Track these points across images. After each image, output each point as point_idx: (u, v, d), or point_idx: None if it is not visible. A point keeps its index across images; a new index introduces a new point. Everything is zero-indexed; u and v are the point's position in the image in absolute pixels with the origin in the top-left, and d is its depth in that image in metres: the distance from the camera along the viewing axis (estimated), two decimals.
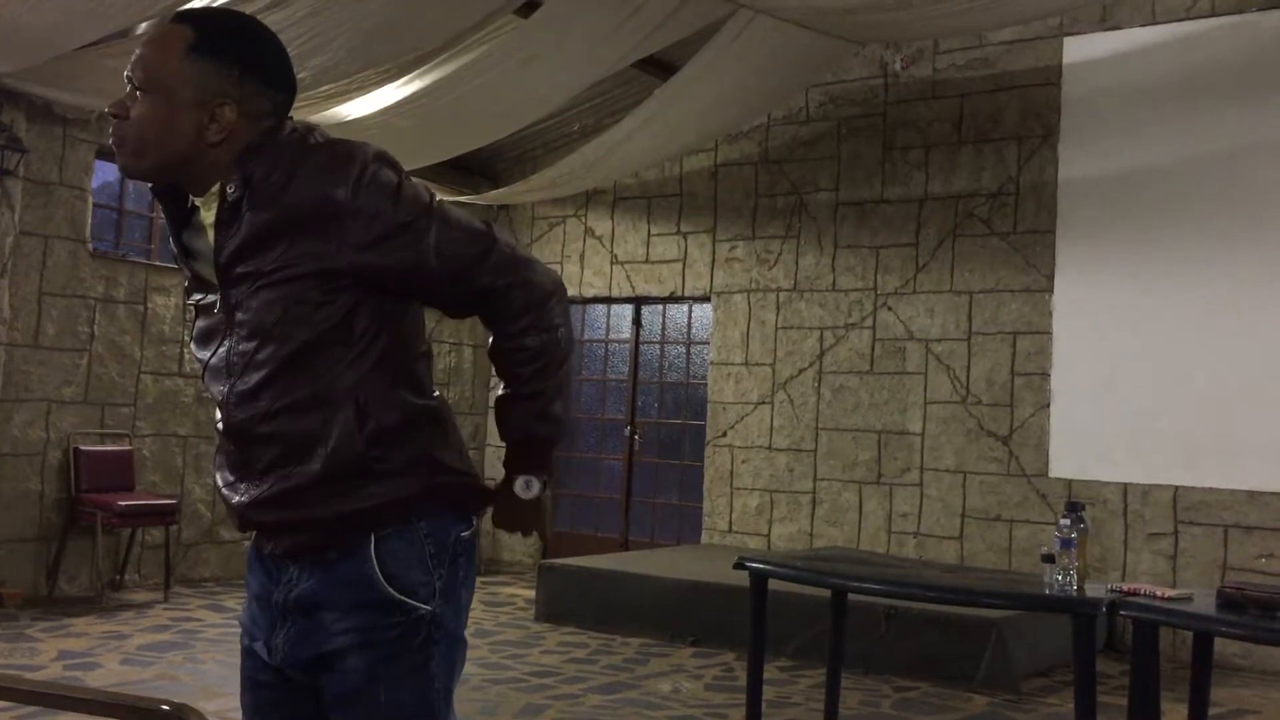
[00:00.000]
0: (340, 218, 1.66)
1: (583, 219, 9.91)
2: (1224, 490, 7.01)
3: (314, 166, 1.68)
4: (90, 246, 7.65)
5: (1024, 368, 7.75)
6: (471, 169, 9.65)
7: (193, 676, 5.49)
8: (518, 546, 10.04)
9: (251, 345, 1.71)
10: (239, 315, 1.71)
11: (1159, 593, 3.44)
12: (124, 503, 7.20)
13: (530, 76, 6.98)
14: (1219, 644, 5.55)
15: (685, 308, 9.45)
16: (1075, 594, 3.53)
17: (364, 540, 1.69)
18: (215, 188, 1.73)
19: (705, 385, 9.13)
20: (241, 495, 1.76)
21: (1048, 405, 7.62)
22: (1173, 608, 3.30)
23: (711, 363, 9.09)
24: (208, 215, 1.75)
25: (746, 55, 7.19)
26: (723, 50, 7.10)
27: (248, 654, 1.83)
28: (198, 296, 1.81)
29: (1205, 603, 3.34)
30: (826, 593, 4.52)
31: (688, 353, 9.45)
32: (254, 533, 1.81)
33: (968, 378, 7.96)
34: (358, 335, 1.72)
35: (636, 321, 9.65)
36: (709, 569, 6.96)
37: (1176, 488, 7.16)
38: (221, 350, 1.74)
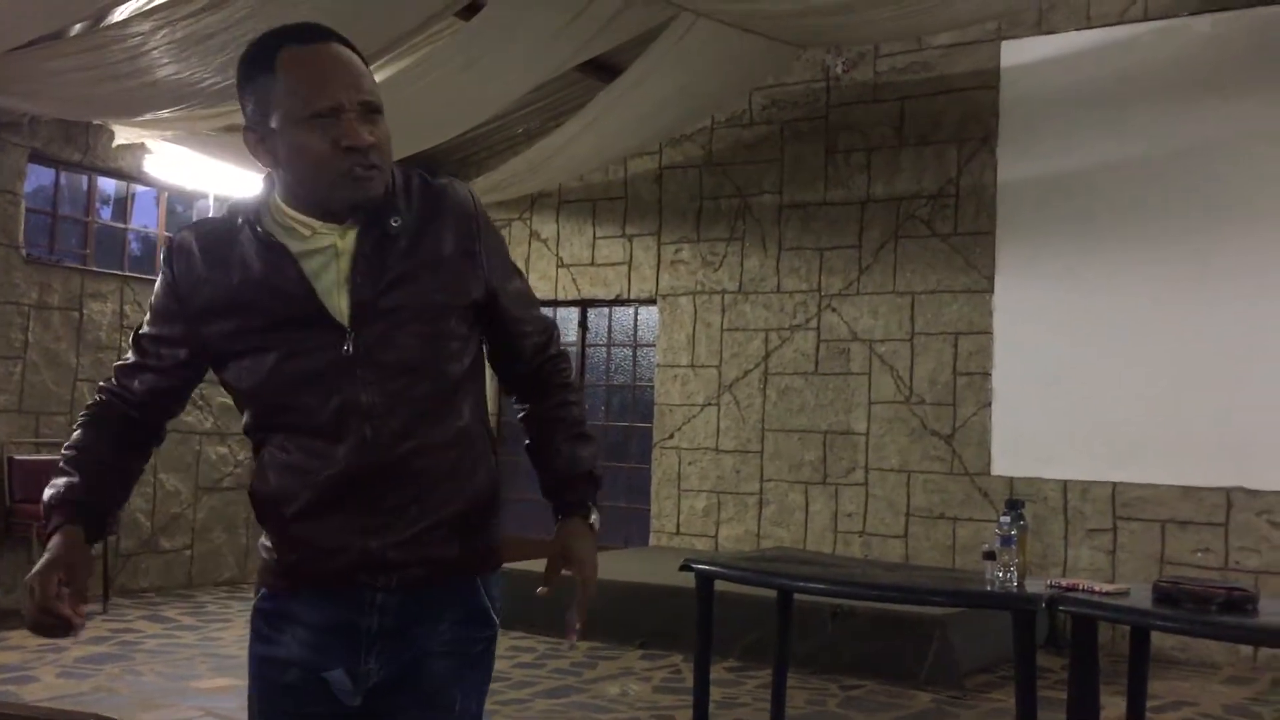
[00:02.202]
0: (476, 254, 1.74)
1: (528, 222, 9.88)
2: (1161, 486, 7.13)
3: (453, 206, 1.74)
4: (24, 252, 7.50)
5: (966, 367, 7.84)
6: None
7: (131, 689, 5.39)
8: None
9: (400, 383, 1.68)
10: (379, 353, 1.67)
11: (1097, 588, 3.49)
12: None
13: (472, 80, 6.94)
14: (1157, 638, 5.65)
15: (631, 310, 9.45)
16: (1015, 591, 3.57)
17: (485, 567, 1.81)
18: (350, 225, 1.70)
19: (652, 388, 9.14)
20: (376, 538, 1.69)
21: (989, 404, 7.72)
22: (1110, 603, 3.35)
23: (658, 365, 9.10)
24: (342, 243, 1.69)
25: (689, 58, 7.21)
26: (665, 53, 7.11)
27: (293, 689, 1.75)
28: (292, 336, 1.69)
29: (1141, 597, 3.39)
30: (773, 593, 4.54)
31: (634, 355, 9.45)
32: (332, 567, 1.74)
33: (911, 378, 8.03)
34: (479, 372, 1.80)
35: (583, 324, 9.64)
36: (657, 571, 6.96)
37: (1115, 484, 7.28)
38: (350, 390, 1.67)
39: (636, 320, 9.46)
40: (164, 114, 6.89)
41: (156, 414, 1.88)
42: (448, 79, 6.87)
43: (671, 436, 8.91)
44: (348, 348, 1.66)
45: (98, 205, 8.26)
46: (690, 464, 8.82)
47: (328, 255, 1.69)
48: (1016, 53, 7.76)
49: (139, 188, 8.43)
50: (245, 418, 1.81)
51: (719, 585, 4.35)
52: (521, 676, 5.96)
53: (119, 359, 1.88)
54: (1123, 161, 7.39)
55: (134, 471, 1.87)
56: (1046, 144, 7.65)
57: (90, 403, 1.85)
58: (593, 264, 9.44)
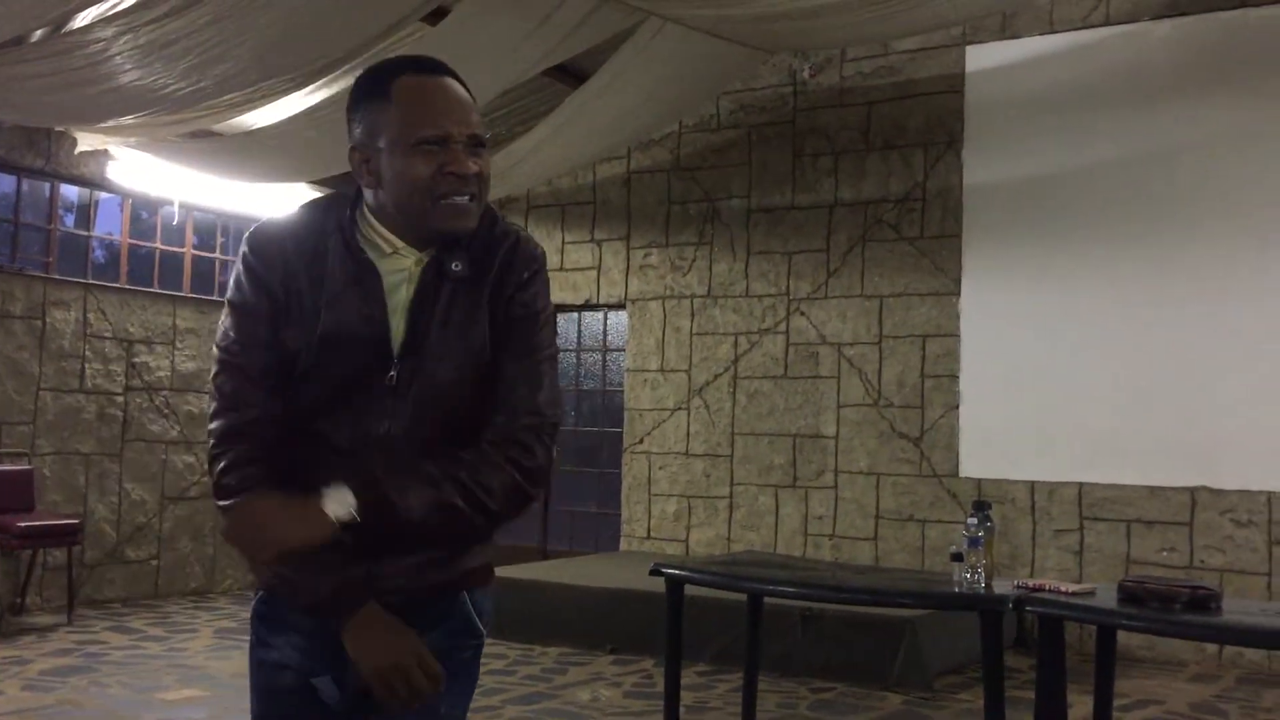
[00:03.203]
0: (514, 299, 1.77)
1: None
2: (1126, 486, 7.20)
3: (527, 256, 1.79)
4: None
5: (933, 370, 7.88)
6: None
7: (97, 701, 5.33)
8: None
9: (422, 416, 1.73)
10: (412, 387, 1.72)
11: (1063, 588, 3.52)
12: (23, 523, 6.98)
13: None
14: (1124, 636, 5.69)
15: (600, 315, 9.45)
16: (983, 592, 3.59)
17: (474, 584, 1.85)
18: (425, 253, 1.74)
19: (622, 392, 9.14)
20: (377, 563, 1.74)
21: (957, 406, 7.76)
22: (1076, 603, 3.37)
23: (627, 370, 9.10)
24: (415, 270, 1.74)
25: (656, 63, 7.22)
26: (632, 58, 7.12)
27: (290, 693, 1.79)
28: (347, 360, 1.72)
29: (1107, 597, 3.42)
30: (743, 597, 4.54)
31: (604, 360, 9.45)
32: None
33: (879, 381, 8.07)
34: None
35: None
36: (627, 576, 6.96)
37: (1081, 485, 7.34)
38: (377, 416, 1.72)
39: (606, 325, 9.46)
40: (127, 120, 6.84)
41: (280, 427, 1.76)
42: None
43: (641, 441, 8.91)
44: (391, 374, 1.72)
45: (60, 212, 8.18)
46: (660, 468, 8.82)
47: (401, 277, 1.74)
48: (981, 57, 7.82)
49: (102, 194, 8.35)
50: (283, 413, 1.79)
51: (689, 590, 4.35)
52: (493, 684, 5.94)
53: (211, 394, 1.78)
54: (1087, 164, 7.46)
55: None
56: (1012, 147, 7.71)
57: (233, 459, 1.73)
58: (561, 269, 9.43)
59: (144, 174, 8.03)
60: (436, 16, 6.38)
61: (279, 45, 5.98)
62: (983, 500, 3.87)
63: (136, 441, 8.23)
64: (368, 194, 1.76)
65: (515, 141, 8.31)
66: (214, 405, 1.76)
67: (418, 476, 1.67)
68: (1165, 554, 7.06)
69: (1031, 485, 7.49)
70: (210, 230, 9.21)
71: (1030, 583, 3.67)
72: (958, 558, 3.71)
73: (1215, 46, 7.15)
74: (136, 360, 8.26)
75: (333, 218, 1.77)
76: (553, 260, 9.52)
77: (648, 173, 9.11)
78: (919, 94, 8.06)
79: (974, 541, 3.64)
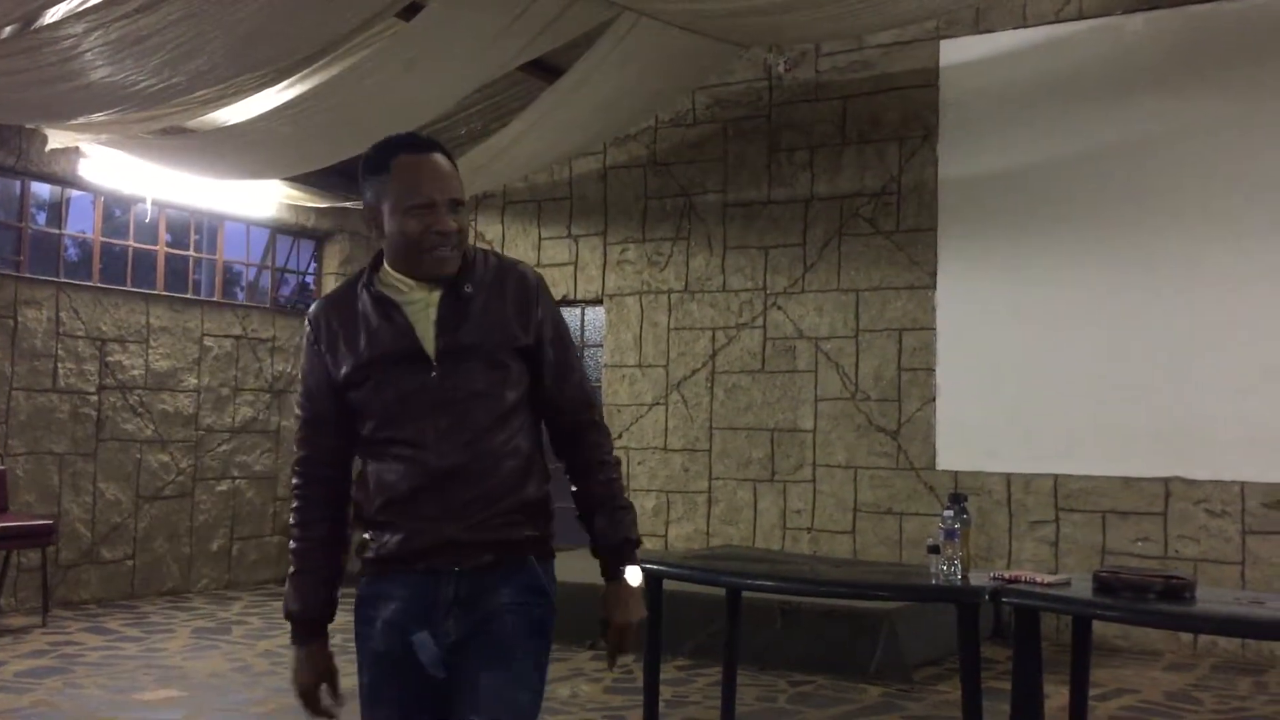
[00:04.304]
0: (529, 315, 2.24)
1: (472, 223, 9.83)
2: (1101, 478, 7.25)
3: (516, 279, 2.26)
4: None
5: (910, 363, 7.91)
6: (356, 175, 9.47)
7: (73, 703, 5.29)
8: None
9: (470, 405, 2.17)
10: (456, 382, 2.17)
11: (1039, 579, 3.53)
12: None
13: (414, 81, 6.89)
14: (1099, 626, 5.73)
15: (578, 311, 9.44)
16: (959, 583, 3.61)
17: (536, 553, 2.26)
18: (436, 287, 2.21)
19: (600, 388, 9.13)
20: (451, 526, 2.16)
21: (934, 399, 7.80)
22: (1051, 593, 3.39)
23: (605, 365, 9.09)
24: (430, 299, 2.20)
25: (631, 58, 7.21)
26: (607, 54, 7.11)
27: (392, 658, 2.20)
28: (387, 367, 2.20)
29: (1082, 587, 3.44)
30: (722, 592, 4.55)
31: (581, 356, 9.44)
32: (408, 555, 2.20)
33: (856, 374, 8.10)
34: (530, 405, 2.27)
35: None
36: None
37: (1056, 476, 7.39)
38: (433, 411, 2.17)
39: (583, 321, 9.45)
40: (98, 117, 6.77)
41: (344, 470, 2.30)
42: (389, 80, 6.81)
43: (620, 436, 8.90)
44: (434, 376, 2.17)
45: (32, 210, 8.11)
46: (639, 464, 8.83)
47: (420, 307, 2.21)
48: (955, 51, 7.85)
49: (74, 192, 8.28)
50: (362, 433, 2.25)
51: (668, 584, 4.35)
52: None
53: (299, 436, 2.32)
54: (1060, 158, 7.50)
55: (342, 553, 2.32)
56: (986, 141, 7.75)
57: (294, 490, 2.31)
58: (538, 265, 9.41)
59: (116, 171, 7.96)
60: (410, 12, 6.35)
61: (252, 41, 5.93)
62: (959, 493, 3.89)
63: (111, 441, 8.17)
64: (383, 248, 2.24)
65: (491, 137, 8.28)
66: (297, 434, 2.34)
67: (614, 504, 2.32)
68: (1140, 544, 7.12)
69: (1008, 477, 7.53)
70: (183, 228, 9.14)
71: (1006, 574, 3.69)
72: (934, 550, 3.72)
73: (1188, 40, 7.20)
74: (110, 359, 8.20)
75: (360, 279, 2.26)
76: (529, 256, 9.51)
77: (624, 168, 9.11)
78: (894, 88, 8.08)
79: (950, 534, 3.66)
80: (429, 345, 2.18)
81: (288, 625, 2.31)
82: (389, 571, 2.20)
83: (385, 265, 2.25)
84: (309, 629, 2.26)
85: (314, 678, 2.25)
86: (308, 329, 2.28)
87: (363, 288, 2.25)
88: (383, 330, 2.19)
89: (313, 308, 2.31)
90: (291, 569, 2.28)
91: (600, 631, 2.31)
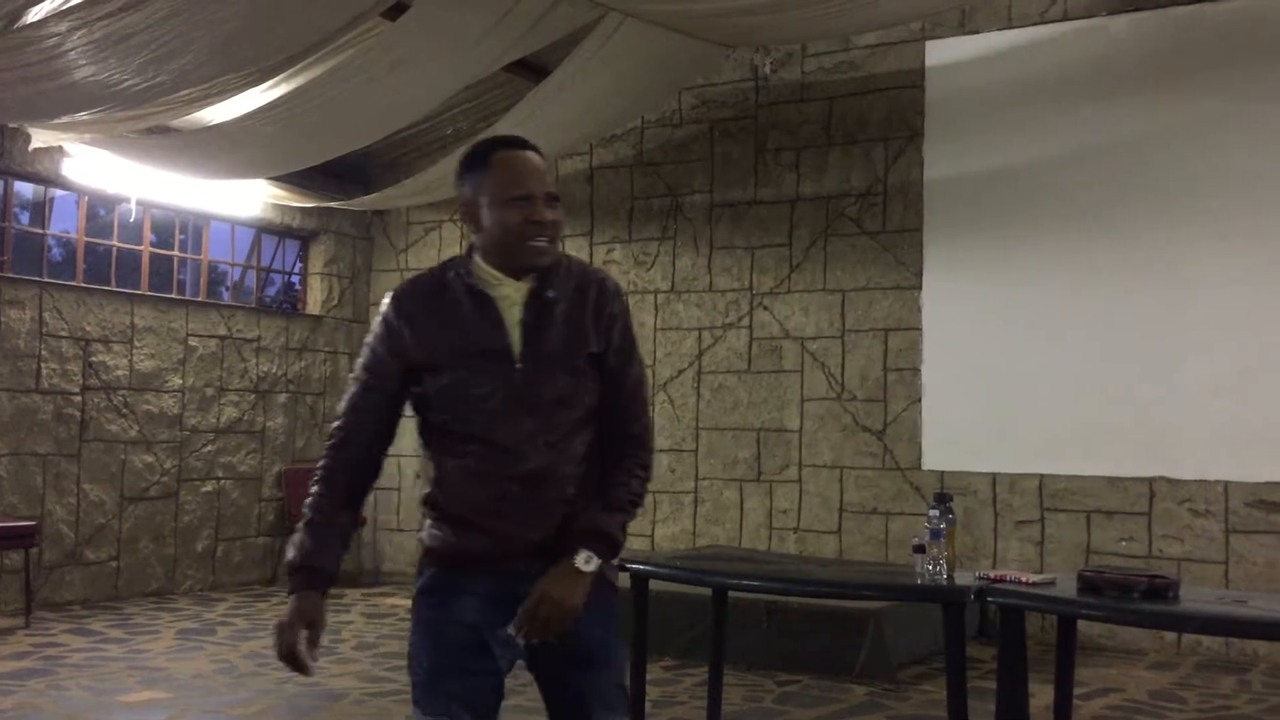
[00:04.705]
0: (602, 324, 2.29)
1: (459, 224, 9.81)
2: (1086, 477, 7.28)
3: (597, 286, 2.31)
4: None
5: (896, 363, 7.93)
6: (343, 174, 9.48)
7: (56, 705, 5.27)
8: (399, 557, 9.90)
9: (552, 409, 2.22)
10: (538, 385, 2.21)
11: (1024, 578, 3.54)
12: None
13: (400, 80, 6.88)
14: (1084, 626, 5.75)
15: None
16: (945, 583, 3.62)
17: None
18: (525, 283, 2.25)
19: None
20: (534, 530, 2.21)
21: (919, 400, 7.82)
22: (1036, 593, 3.40)
23: None
24: (516, 295, 2.24)
25: (617, 58, 7.21)
26: (593, 54, 7.11)
27: (463, 648, 2.22)
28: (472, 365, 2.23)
29: (1067, 587, 3.45)
30: (708, 591, 4.55)
31: None
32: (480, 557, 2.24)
33: (842, 374, 8.11)
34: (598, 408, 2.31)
35: None
36: None
37: (1042, 476, 7.42)
38: (516, 411, 2.20)
39: None
40: (82, 116, 6.74)
41: (381, 448, 2.32)
42: (375, 80, 6.80)
43: None
44: (518, 376, 2.21)
45: (15, 210, 8.06)
46: None
47: (507, 302, 2.24)
48: (941, 52, 7.87)
49: (58, 192, 8.24)
50: (426, 422, 2.28)
51: (654, 584, 4.35)
52: None
53: (341, 403, 2.31)
54: (1046, 158, 7.53)
55: (355, 524, 2.34)
56: (971, 142, 7.77)
57: (326, 451, 2.29)
58: None
59: (100, 171, 7.93)
60: (396, 11, 6.33)
61: (237, 40, 5.92)
62: (944, 492, 3.90)
63: (95, 442, 8.14)
64: (476, 240, 2.29)
65: (477, 137, 8.26)
66: (338, 418, 2.31)
67: (615, 504, 2.25)
68: (1124, 544, 7.15)
69: (993, 477, 7.56)
70: (168, 228, 9.11)
71: (992, 574, 3.69)
72: (920, 550, 3.72)
73: (1171, 41, 7.23)
74: (94, 359, 8.16)
75: (450, 269, 2.30)
76: None
77: (610, 168, 9.10)
78: (880, 89, 8.10)
79: (936, 533, 3.66)
80: (514, 344, 2.22)
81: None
82: (466, 567, 2.24)
83: (477, 259, 2.28)
84: (312, 578, 2.22)
85: (301, 622, 2.18)
86: (389, 305, 2.28)
87: (456, 277, 2.28)
88: (474, 323, 2.23)
89: (399, 286, 2.32)
90: (306, 518, 2.25)
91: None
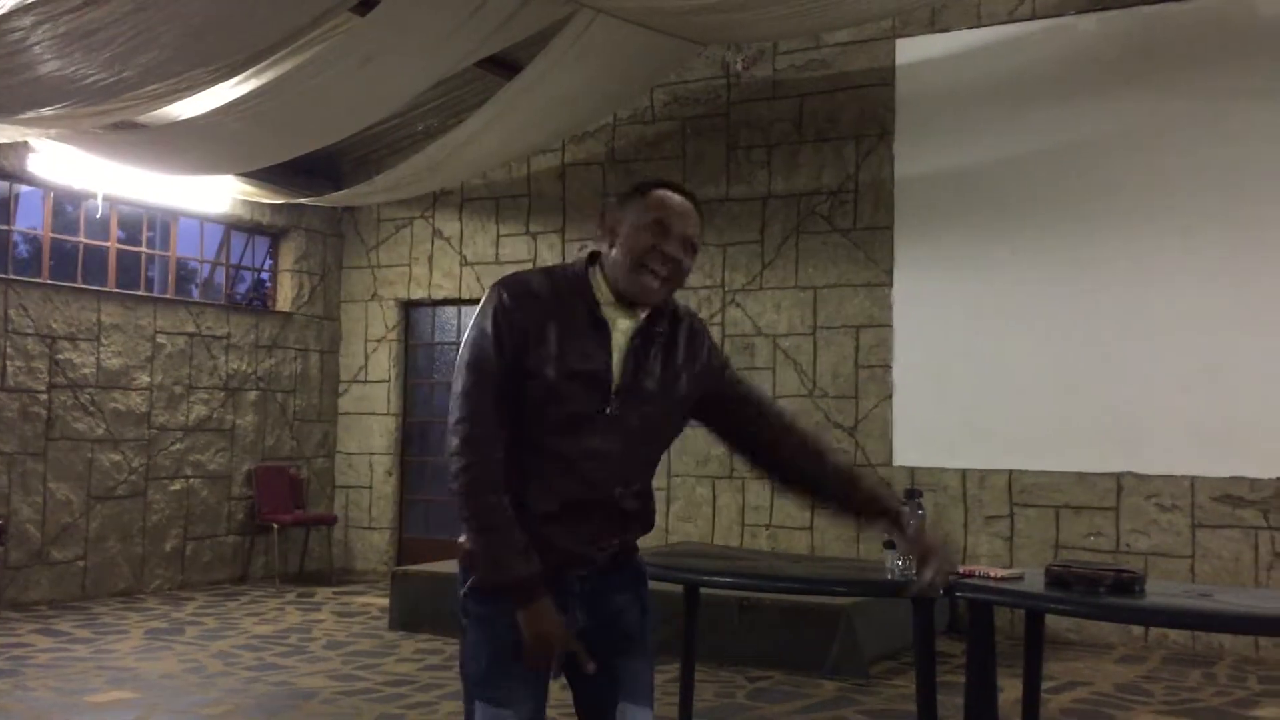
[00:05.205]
0: (701, 363, 2.39)
1: (430, 220, 9.78)
2: (1055, 473, 7.33)
3: (700, 330, 2.42)
4: None
5: (867, 360, 7.96)
6: (313, 171, 9.42)
7: (23, 705, 5.21)
8: (370, 555, 9.85)
9: (637, 443, 2.30)
10: (629, 418, 2.26)
11: (992, 573, 3.56)
12: None
13: (370, 76, 6.84)
14: (1053, 620, 5.79)
15: None
16: (914, 578, 3.63)
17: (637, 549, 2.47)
18: (639, 318, 2.30)
19: None
20: (592, 548, 2.30)
21: (890, 396, 7.85)
22: (1004, 587, 3.42)
23: None
24: (627, 326, 2.29)
25: (589, 55, 7.20)
26: (565, 51, 7.09)
27: (518, 644, 2.24)
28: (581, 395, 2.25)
29: (1035, 581, 3.47)
30: (680, 588, 4.55)
31: None
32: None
33: (814, 371, 8.13)
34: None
35: None
36: None
37: (1011, 472, 7.47)
38: (603, 440, 2.25)
39: None
40: (47, 111, 6.66)
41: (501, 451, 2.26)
42: (344, 75, 6.76)
43: None
44: (612, 409, 2.25)
45: None
46: None
47: (620, 331, 2.28)
48: (911, 50, 7.90)
49: (23, 188, 8.15)
50: (515, 426, 2.23)
51: None
52: (429, 679, 5.90)
53: (464, 415, 2.21)
54: (1015, 156, 7.58)
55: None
56: (942, 139, 7.81)
57: (469, 463, 2.20)
58: (497, 262, 9.39)
59: (66, 166, 7.85)
60: (365, 7, 6.30)
61: (204, 35, 5.86)
62: (914, 488, 3.93)
63: (61, 440, 8.05)
64: (604, 258, 2.30)
65: (448, 134, 8.25)
66: (458, 414, 2.22)
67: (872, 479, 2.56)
68: (1093, 538, 7.21)
69: (963, 473, 7.60)
70: (135, 224, 9.03)
71: (961, 569, 3.71)
72: (890, 546, 3.74)
73: (1139, 40, 7.29)
74: (60, 357, 8.08)
75: (576, 281, 2.29)
76: (487, 253, 9.48)
77: (582, 165, 9.09)
78: (850, 86, 8.12)
79: None
80: (615, 375, 2.26)
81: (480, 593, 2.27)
82: None
83: (598, 277, 2.30)
84: (529, 585, 2.18)
85: (558, 623, 2.19)
86: (508, 298, 2.23)
87: (577, 294, 2.27)
88: (588, 344, 2.24)
89: (517, 281, 2.28)
90: (491, 530, 2.18)
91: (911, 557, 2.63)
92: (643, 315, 2.29)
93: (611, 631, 2.33)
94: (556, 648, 2.19)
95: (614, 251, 2.27)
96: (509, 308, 2.22)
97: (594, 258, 2.32)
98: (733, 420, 2.51)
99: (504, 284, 2.27)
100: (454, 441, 2.20)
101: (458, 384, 2.24)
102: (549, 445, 2.23)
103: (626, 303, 2.27)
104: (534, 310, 2.22)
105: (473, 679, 2.30)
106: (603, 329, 2.26)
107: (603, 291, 2.28)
